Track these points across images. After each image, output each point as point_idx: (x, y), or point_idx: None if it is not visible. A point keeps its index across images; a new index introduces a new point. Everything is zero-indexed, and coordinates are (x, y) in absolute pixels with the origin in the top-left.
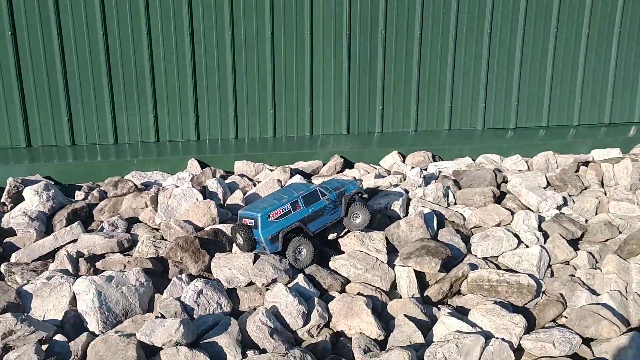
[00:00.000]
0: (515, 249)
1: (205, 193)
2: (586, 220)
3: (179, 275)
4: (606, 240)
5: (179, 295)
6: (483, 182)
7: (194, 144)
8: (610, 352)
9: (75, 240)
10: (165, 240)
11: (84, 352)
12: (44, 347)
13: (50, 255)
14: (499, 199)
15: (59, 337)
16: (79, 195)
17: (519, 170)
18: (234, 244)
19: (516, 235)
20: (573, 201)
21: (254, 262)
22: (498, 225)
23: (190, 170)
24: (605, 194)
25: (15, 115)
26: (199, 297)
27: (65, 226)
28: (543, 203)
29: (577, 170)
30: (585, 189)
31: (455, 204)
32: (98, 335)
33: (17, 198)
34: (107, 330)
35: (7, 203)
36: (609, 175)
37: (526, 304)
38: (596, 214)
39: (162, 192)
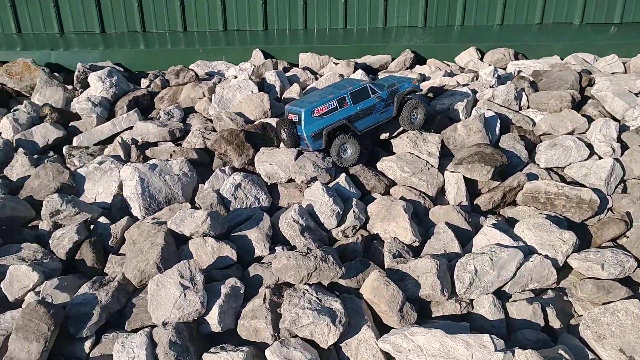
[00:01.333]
0: (585, 160)
1: (264, 85)
2: None
3: (222, 168)
4: None
5: (219, 188)
6: (564, 84)
7: (261, 33)
8: None
9: (132, 127)
10: (216, 131)
11: (122, 235)
12: (91, 227)
13: (110, 141)
14: (579, 104)
15: (103, 220)
16: (144, 83)
17: (612, 73)
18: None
19: (589, 146)
20: None
21: (296, 158)
22: (570, 133)
23: (253, 61)
24: None
25: (89, 0)
26: (236, 190)
27: (126, 113)
28: (630, 111)
29: None
30: None
31: (528, 107)
32: (138, 220)
33: (86, 83)
34: (149, 216)
35: (77, 88)
36: None
37: (585, 220)
38: None
39: (220, 82)
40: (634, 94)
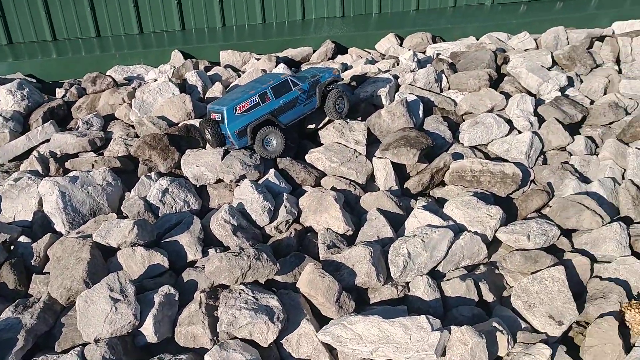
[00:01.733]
0: (505, 136)
1: (185, 86)
2: (592, 102)
3: (148, 174)
4: (610, 124)
5: (146, 195)
6: (481, 64)
7: (179, 34)
8: (589, 243)
9: (49, 140)
10: (139, 137)
11: (45, 253)
12: (11, 247)
13: (26, 156)
14: (496, 82)
15: (23, 239)
16: (59, 92)
17: (525, 50)
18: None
19: (509, 122)
20: (581, 81)
21: (223, 158)
22: (490, 111)
23: (173, 63)
24: (620, 71)
25: None
26: (164, 195)
27: (41, 125)
28: (544, 85)
29: (590, 47)
30: (597, 67)
31: (448, 89)
32: (63, 236)
33: None
34: (73, 230)
35: None
36: (626, 50)
37: (510, 194)
38: (605, 94)
39: (140, 86)
40: (547, 68)
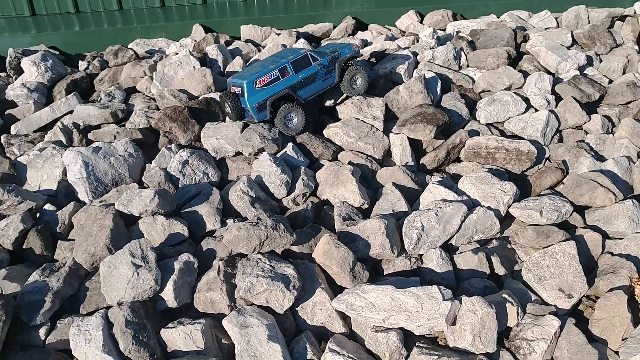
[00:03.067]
0: (522, 113)
1: (206, 60)
2: (610, 82)
3: (168, 146)
4: (628, 103)
5: (166, 166)
6: (500, 42)
7: (201, 8)
8: (602, 220)
9: (72, 112)
10: (160, 110)
11: (70, 221)
12: (37, 215)
13: (50, 127)
14: (515, 60)
15: (49, 207)
16: (82, 65)
17: (546, 28)
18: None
19: (526, 100)
20: (600, 60)
21: (242, 131)
22: (508, 88)
23: (194, 37)
24: (639, 51)
25: None
26: (184, 167)
27: (65, 97)
28: (563, 64)
29: (610, 27)
30: (617, 46)
31: (467, 66)
32: (86, 204)
33: (19, 69)
34: (96, 199)
35: (10, 74)
36: None
37: (525, 171)
38: (623, 73)
39: (161, 60)
40: (566, 47)
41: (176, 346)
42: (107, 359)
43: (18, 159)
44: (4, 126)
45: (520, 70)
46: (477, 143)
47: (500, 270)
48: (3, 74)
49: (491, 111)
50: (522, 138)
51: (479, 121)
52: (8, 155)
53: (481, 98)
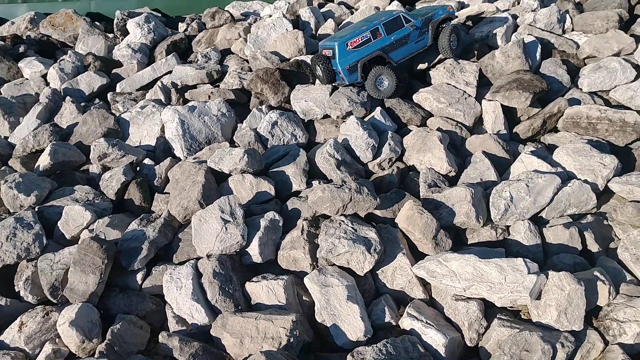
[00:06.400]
0: (631, 82)
1: (298, 23)
2: None
3: (259, 107)
4: None
5: (256, 126)
6: (612, 3)
7: None
8: None
9: (171, 72)
10: (252, 71)
11: (166, 175)
12: (137, 168)
13: (151, 85)
14: (627, 23)
15: (148, 161)
16: (181, 27)
17: None
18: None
19: (637, 67)
20: None
21: (331, 94)
22: (616, 55)
23: None
24: None
25: None
26: (273, 128)
27: (165, 58)
28: None
29: None
30: None
31: (572, 30)
32: (181, 160)
33: (125, 31)
34: (190, 156)
35: (117, 35)
36: None
37: (629, 144)
38: None
39: (255, 22)
40: None
41: (259, 299)
42: (195, 306)
43: (122, 116)
44: (110, 84)
45: (632, 35)
46: (577, 112)
47: (593, 247)
48: (111, 35)
49: (595, 79)
50: (628, 108)
51: (580, 89)
52: (113, 111)
53: (585, 64)
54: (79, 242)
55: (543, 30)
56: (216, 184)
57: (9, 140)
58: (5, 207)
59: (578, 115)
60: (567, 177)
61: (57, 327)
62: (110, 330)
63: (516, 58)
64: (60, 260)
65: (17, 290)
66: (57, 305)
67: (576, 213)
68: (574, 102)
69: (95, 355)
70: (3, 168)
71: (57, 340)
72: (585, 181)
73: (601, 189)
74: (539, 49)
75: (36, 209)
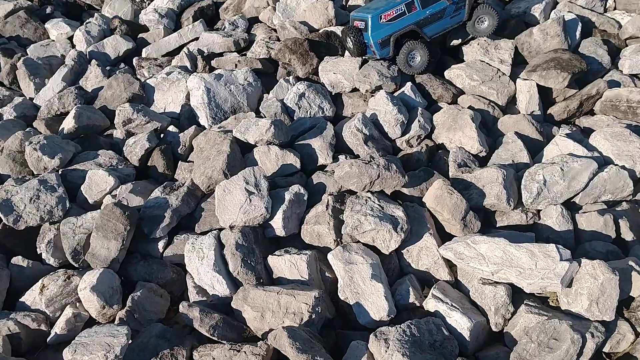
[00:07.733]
0: None
1: None
2: None
3: (287, 77)
4: None
5: (283, 97)
6: None
7: None
8: None
9: (197, 38)
10: (280, 41)
11: (190, 143)
12: (161, 135)
13: (177, 52)
14: None
15: (172, 128)
16: None
17: None
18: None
19: None
20: None
21: (361, 67)
22: None
23: None
24: None
25: None
26: (300, 99)
27: (191, 24)
28: None
29: None
30: None
31: (614, 9)
32: (205, 129)
33: None
34: (215, 125)
35: (144, 0)
36: None
37: None
38: None
39: None
40: None
41: (281, 273)
42: (217, 277)
43: (147, 81)
44: (136, 49)
45: None
46: (616, 95)
47: (627, 235)
48: None
49: (637, 60)
50: None
51: (621, 71)
52: (138, 77)
53: (627, 45)
54: (102, 208)
55: (584, 7)
56: (241, 154)
57: (34, 101)
58: (29, 169)
59: (617, 98)
60: (603, 162)
61: (78, 291)
62: (130, 297)
63: (555, 36)
64: (83, 225)
65: (39, 252)
66: (78, 269)
67: (611, 200)
68: (613, 84)
69: (115, 322)
70: (28, 129)
71: (77, 304)
72: (623, 167)
73: (639, 176)
74: (579, 28)
75: (60, 172)
